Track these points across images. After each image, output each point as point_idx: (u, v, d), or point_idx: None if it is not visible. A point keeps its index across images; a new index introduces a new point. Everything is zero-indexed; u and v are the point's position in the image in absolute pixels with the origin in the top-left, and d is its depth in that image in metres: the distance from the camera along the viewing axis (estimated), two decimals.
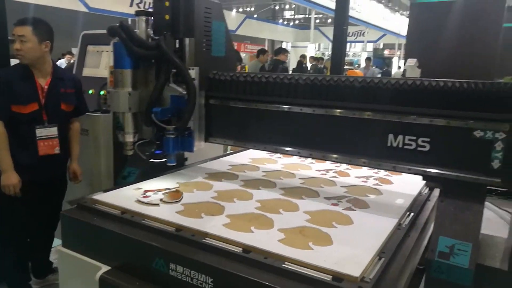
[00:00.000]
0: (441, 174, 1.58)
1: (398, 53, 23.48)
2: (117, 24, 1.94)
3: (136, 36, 1.95)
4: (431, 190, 2.23)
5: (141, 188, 2.06)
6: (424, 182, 2.11)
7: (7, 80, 2.39)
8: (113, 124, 2.05)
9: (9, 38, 2.82)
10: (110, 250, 1.72)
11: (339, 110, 1.78)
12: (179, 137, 2.05)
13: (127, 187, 2.09)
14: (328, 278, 1.30)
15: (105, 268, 1.70)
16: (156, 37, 1.99)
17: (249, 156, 2.84)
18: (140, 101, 2.03)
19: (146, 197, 1.93)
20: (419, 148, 1.62)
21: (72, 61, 10.08)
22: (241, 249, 1.48)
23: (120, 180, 2.32)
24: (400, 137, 1.65)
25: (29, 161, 2.46)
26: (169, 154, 2.08)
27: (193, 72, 2.02)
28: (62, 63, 9.78)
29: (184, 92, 1.98)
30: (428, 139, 1.59)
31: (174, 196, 1.96)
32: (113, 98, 2.02)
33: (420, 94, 1.58)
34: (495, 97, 1.45)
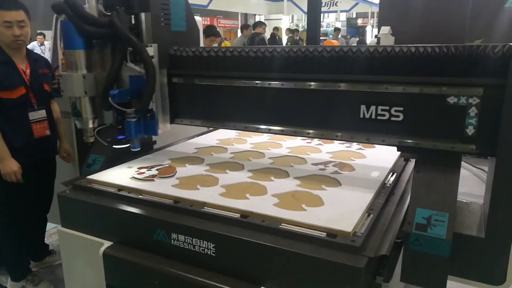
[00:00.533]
0: (416, 144, 1.56)
1: (372, 21, 23.56)
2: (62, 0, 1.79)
3: (85, 13, 1.81)
4: (406, 161, 2.16)
5: (133, 166, 2.11)
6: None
7: None
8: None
9: None
10: (110, 226, 1.78)
11: (308, 83, 1.72)
12: (142, 120, 1.95)
13: (119, 166, 2.13)
14: (322, 235, 1.41)
15: (107, 243, 1.76)
16: (109, 13, 1.85)
17: (235, 131, 2.88)
18: (97, 84, 1.91)
19: (141, 174, 1.98)
20: (392, 118, 1.58)
21: (44, 42, 9.74)
22: (239, 214, 1.56)
23: (85, 169, 2.19)
24: (372, 108, 1.61)
25: (23, 144, 2.46)
26: (132, 139, 1.99)
27: (151, 50, 1.91)
28: (34, 45, 9.44)
29: (143, 72, 1.88)
30: (401, 109, 1.56)
31: (168, 171, 2.02)
32: (66, 82, 1.89)
33: (391, 61, 1.54)
34: (467, 61, 1.42)
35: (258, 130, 1.93)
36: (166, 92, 2.04)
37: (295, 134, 1.84)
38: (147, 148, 2.40)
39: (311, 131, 1.78)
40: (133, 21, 1.95)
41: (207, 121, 2.06)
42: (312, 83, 1.70)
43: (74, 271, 1.94)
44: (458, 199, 3.88)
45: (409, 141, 1.57)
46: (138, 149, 2.04)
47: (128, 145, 2.03)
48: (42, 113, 2.56)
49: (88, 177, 1.97)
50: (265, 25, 9.08)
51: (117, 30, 1.80)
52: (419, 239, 1.42)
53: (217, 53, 1.89)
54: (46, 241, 3.04)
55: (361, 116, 1.63)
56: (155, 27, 1.94)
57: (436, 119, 1.51)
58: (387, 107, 1.57)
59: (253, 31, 8.82)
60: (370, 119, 1.61)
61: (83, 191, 1.90)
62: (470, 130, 1.46)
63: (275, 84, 1.79)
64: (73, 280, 1.97)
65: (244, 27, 8.40)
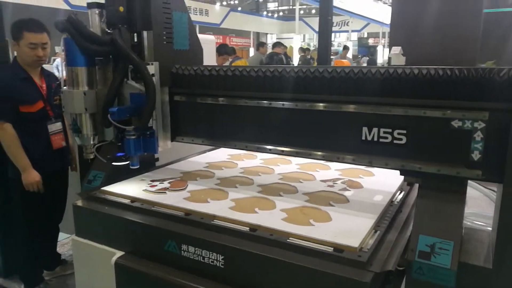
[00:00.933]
0: (419, 168, 1.51)
1: (383, 41, 23.72)
2: (65, 18, 1.81)
3: (86, 31, 1.82)
4: (410, 185, 2.09)
5: (145, 179, 2.16)
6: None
7: (9, 84, 2.46)
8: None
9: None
10: (123, 237, 1.82)
11: (308, 104, 1.69)
12: (141, 138, 1.95)
13: (133, 178, 2.19)
14: (330, 249, 1.43)
15: (119, 253, 1.80)
16: (111, 31, 1.87)
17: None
18: (98, 100, 1.93)
19: (153, 186, 2.03)
20: (395, 141, 1.54)
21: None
22: (247, 228, 1.60)
23: (85, 186, 2.18)
24: (375, 130, 1.57)
25: (41, 155, 2.55)
26: (131, 156, 1.98)
27: (152, 68, 1.91)
28: (58, 62, 9.68)
29: (144, 89, 1.89)
30: (404, 132, 1.52)
31: (180, 184, 2.07)
32: (67, 99, 1.90)
33: (394, 83, 1.51)
34: (472, 84, 1.39)
35: (258, 150, 1.90)
36: (167, 110, 2.04)
37: (296, 155, 1.80)
38: (149, 165, 2.43)
39: (312, 152, 1.75)
40: (135, 39, 1.97)
41: (208, 139, 2.05)
42: (313, 103, 1.69)
43: (86, 279, 1.99)
44: (467, 223, 3.85)
45: (413, 165, 1.53)
46: (137, 166, 2.03)
47: (127, 162, 2.03)
48: (58, 125, 2.66)
49: (102, 188, 2.03)
50: (284, 46, 9.40)
51: (118, 48, 1.83)
52: (422, 268, 1.37)
53: (218, 72, 1.90)
54: (59, 250, 3.09)
55: (363, 138, 1.60)
56: (157, 46, 1.96)
57: (441, 143, 1.47)
58: (390, 130, 1.54)
59: (272, 50, 9.19)
60: (372, 142, 1.58)
61: (97, 201, 1.96)
62: (476, 155, 1.42)
63: (275, 104, 1.78)
64: (84, 287, 2.01)
65: (260, 44, 8.69)
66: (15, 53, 2.59)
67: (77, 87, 1.89)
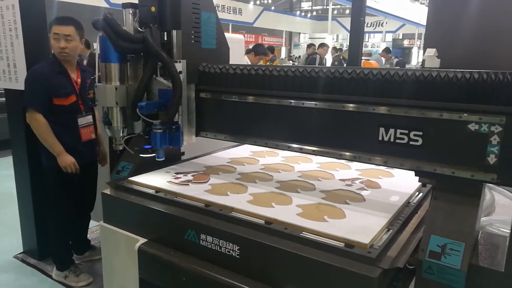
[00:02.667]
0: (434, 170, 1.52)
1: (418, 43, 23.14)
2: (101, 17, 1.92)
3: (120, 30, 1.92)
4: (424, 186, 2.08)
5: (170, 172, 2.27)
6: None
7: (46, 77, 2.62)
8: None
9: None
10: (146, 224, 1.93)
11: (328, 103, 1.72)
12: (167, 132, 2.04)
13: (159, 170, 2.30)
14: (341, 245, 1.48)
15: (142, 240, 1.91)
16: (143, 30, 1.97)
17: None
18: (128, 95, 2.04)
19: (177, 178, 2.14)
20: (411, 142, 1.55)
21: None
22: (263, 221, 1.67)
23: (114, 176, 2.32)
24: (391, 131, 1.59)
25: (72, 147, 2.71)
26: (157, 149, 2.08)
27: (180, 65, 1.99)
28: None
29: (171, 86, 1.97)
30: (420, 133, 1.53)
31: (202, 177, 2.16)
32: (100, 93, 2.03)
33: (411, 85, 1.53)
34: (490, 88, 1.39)
35: (277, 147, 1.94)
36: (193, 106, 2.12)
37: (313, 153, 1.83)
38: (175, 158, 2.54)
39: (329, 150, 1.78)
40: (165, 38, 2.06)
41: (230, 135, 2.09)
42: (331, 103, 1.72)
43: (112, 263, 2.11)
44: (492, 230, 3.74)
45: (427, 166, 1.54)
46: (163, 159, 2.12)
47: (153, 154, 2.13)
48: (89, 119, 2.81)
49: (130, 178, 2.15)
50: (327, 46, 9.57)
51: (149, 46, 1.92)
52: (432, 268, 1.40)
53: (243, 70, 1.95)
54: (89, 237, 3.28)
55: (380, 138, 1.61)
56: (185, 44, 2.03)
57: (456, 145, 1.48)
58: (406, 131, 1.56)
59: (316, 51, 9.54)
60: (388, 142, 1.60)
61: (124, 191, 2.08)
62: (492, 159, 1.41)
63: (295, 102, 1.81)
64: (110, 271, 2.15)
65: (308, 46, 9.02)
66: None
67: (110, 82, 2.01)
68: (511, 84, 1.37)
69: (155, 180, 2.13)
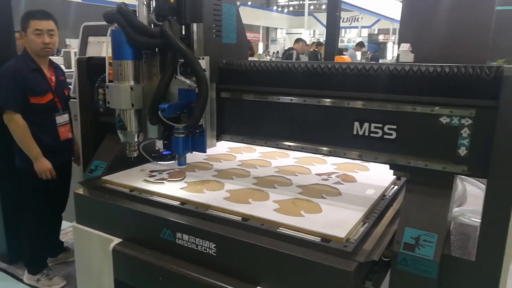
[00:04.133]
0: (407, 163, 1.54)
1: (393, 38, 23.53)
2: (115, 9, 1.75)
3: (137, 22, 1.73)
4: (399, 179, 2.11)
5: (145, 170, 2.23)
6: None
7: (21, 74, 2.51)
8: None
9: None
10: (121, 224, 1.89)
11: (303, 98, 1.70)
12: (190, 136, 1.85)
13: (133, 168, 2.25)
14: (317, 239, 1.48)
15: (117, 240, 1.87)
16: (160, 23, 1.75)
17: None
18: (145, 96, 1.84)
19: (152, 176, 2.10)
20: (385, 136, 1.56)
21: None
22: (240, 218, 1.66)
23: (87, 175, 2.21)
24: (366, 125, 1.59)
25: (50, 146, 2.63)
26: (179, 155, 1.87)
27: (203, 62, 1.78)
28: None
29: (194, 85, 1.76)
30: (394, 127, 1.54)
31: (178, 175, 2.13)
32: (113, 94, 1.83)
33: (384, 79, 1.53)
34: (461, 82, 1.41)
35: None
36: (215, 107, 1.92)
37: (289, 148, 1.81)
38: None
39: (304, 145, 1.76)
40: (183, 32, 1.83)
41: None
42: (307, 98, 1.70)
43: (85, 264, 2.06)
44: (464, 220, 3.85)
45: (401, 159, 1.55)
46: (185, 166, 1.93)
47: (173, 161, 1.92)
48: (66, 117, 2.73)
49: (103, 177, 2.10)
50: (304, 41, 9.60)
51: (170, 40, 1.69)
52: (406, 259, 1.42)
53: (273, 67, 1.76)
54: (62, 239, 3.19)
55: (355, 133, 1.62)
56: (207, 39, 1.81)
57: (429, 138, 1.50)
58: (380, 125, 1.56)
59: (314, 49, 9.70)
60: (363, 136, 1.60)
61: (98, 190, 2.03)
62: (462, 151, 1.45)
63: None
64: (84, 273, 2.09)
65: (296, 41, 9.16)
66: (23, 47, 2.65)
67: (124, 81, 1.80)
68: (480, 77, 1.40)
69: (130, 178, 2.08)
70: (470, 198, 4.67)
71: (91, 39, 3.44)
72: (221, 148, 2.75)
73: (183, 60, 1.76)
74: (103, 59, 2.40)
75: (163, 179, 2.08)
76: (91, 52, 3.37)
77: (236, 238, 1.56)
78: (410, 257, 1.42)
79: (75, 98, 2.57)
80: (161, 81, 1.78)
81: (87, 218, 2.01)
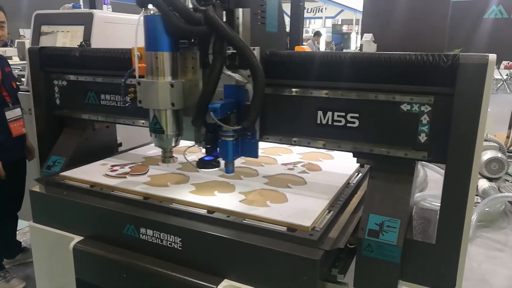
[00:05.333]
0: (370, 150, 1.56)
1: (356, 28, 23.95)
2: None
3: (182, 7, 1.47)
4: (362, 166, 2.10)
5: (107, 164, 2.15)
6: None
7: None
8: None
9: None
10: (81, 222, 1.81)
11: (268, 89, 1.60)
12: (240, 140, 1.63)
13: (94, 163, 2.17)
14: (283, 229, 1.48)
15: (77, 238, 1.80)
16: (201, 7, 1.49)
17: None
18: (185, 94, 1.61)
19: (114, 171, 2.02)
20: (348, 125, 1.57)
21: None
22: (205, 210, 1.63)
23: (44, 171, 2.12)
24: (329, 114, 1.59)
25: (2, 143, 2.48)
26: (228, 161, 1.65)
27: (254, 53, 1.53)
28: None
29: (245, 81, 1.57)
30: (357, 115, 1.56)
31: (140, 169, 2.07)
32: (149, 91, 1.58)
33: (346, 68, 1.53)
34: (420, 70, 1.43)
35: None
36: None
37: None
38: (112, 150, 2.43)
39: (269, 136, 1.73)
40: (224, 19, 1.57)
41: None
42: (272, 88, 1.65)
43: (45, 265, 1.97)
44: (425, 204, 3.99)
45: (364, 147, 1.57)
46: (233, 173, 1.69)
47: (216, 169, 1.72)
48: (17, 112, 2.59)
49: (61, 173, 2.01)
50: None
51: (219, 28, 1.47)
52: (371, 245, 1.46)
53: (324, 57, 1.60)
54: (20, 239, 3.04)
55: (318, 122, 1.62)
56: (253, 27, 1.59)
57: (391, 126, 1.52)
58: (343, 113, 1.57)
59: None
60: (326, 125, 1.60)
61: (56, 187, 1.94)
62: (423, 138, 1.48)
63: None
64: (43, 274, 2.00)
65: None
66: None
67: (161, 77, 1.56)
68: (438, 65, 1.43)
69: (90, 174, 2.00)
70: (431, 183, 4.87)
71: (44, 28, 3.26)
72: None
73: (230, 51, 1.55)
74: (58, 49, 2.30)
75: (125, 173, 2.01)
76: (45, 42, 3.20)
77: (201, 231, 1.53)
78: (375, 243, 1.45)
79: (28, 91, 2.44)
80: (210, 76, 1.52)
81: (44, 217, 1.92)
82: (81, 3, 4.31)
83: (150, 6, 1.51)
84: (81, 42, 2.61)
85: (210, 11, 1.46)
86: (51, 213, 1.91)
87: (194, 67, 1.65)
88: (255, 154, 1.68)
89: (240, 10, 1.56)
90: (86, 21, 2.97)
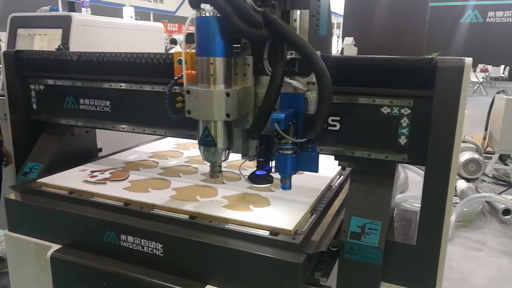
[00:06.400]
0: (352, 153, 1.57)
1: (338, 32, 24.23)
2: None
3: (244, 7, 1.34)
4: (344, 169, 2.12)
5: (86, 170, 2.10)
6: None
7: None
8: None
9: None
10: (59, 229, 1.77)
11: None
12: (298, 153, 1.54)
13: (72, 169, 2.12)
14: (266, 233, 1.47)
15: (55, 246, 1.75)
16: (259, 9, 1.39)
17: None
18: (239, 103, 1.50)
19: (93, 177, 1.98)
20: (330, 128, 1.57)
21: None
22: (187, 216, 1.61)
23: (20, 178, 2.08)
24: None
25: None
26: (285, 177, 1.54)
27: None
28: None
29: (305, 89, 1.49)
30: (338, 118, 1.56)
31: (121, 174, 2.03)
32: (201, 101, 1.45)
33: (328, 71, 1.45)
34: (399, 73, 1.46)
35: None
36: None
37: None
38: (92, 155, 2.39)
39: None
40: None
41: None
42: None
43: (21, 275, 1.91)
44: (406, 205, 4.06)
45: (346, 150, 1.59)
46: (290, 189, 1.58)
47: (269, 184, 1.67)
48: None
49: (38, 180, 1.95)
50: None
51: (283, 31, 1.38)
52: (353, 248, 1.46)
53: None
54: None
55: None
56: (311, 30, 1.50)
57: (371, 129, 1.54)
58: None
59: None
60: None
61: (32, 194, 1.88)
62: (403, 140, 1.50)
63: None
64: (19, 284, 1.94)
65: None
66: None
67: (215, 85, 1.45)
68: (417, 68, 1.45)
69: (68, 180, 1.95)
70: (412, 184, 4.95)
71: (20, 31, 3.18)
72: (167, 144, 2.67)
73: (291, 56, 1.47)
74: (35, 52, 2.25)
75: (105, 179, 1.97)
76: (22, 45, 3.12)
77: (183, 237, 1.51)
78: (357, 245, 1.46)
79: (3, 96, 2.37)
80: (272, 83, 1.43)
81: (20, 225, 1.86)
82: (60, 5, 4.24)
83: (204, 6, 1.40)
84: (59, 46, 2.56)
85: (270, 13, 1.38)
86: (27, 221, 1.85)
87: (246, 74, 1.53)
88: (315, 168, 1.58)
89: (298, 12, 1.46)
90: (64, 24, 2.91)
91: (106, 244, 1.65)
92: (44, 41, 3.01)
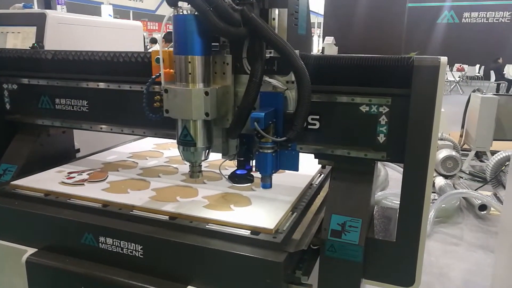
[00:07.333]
0: (332, 152, 1.58)
1: (318, 31, 24.42)
2: None
3: (221, 4, 1.34)
4: (324, 167, 2.14)
5: (63, 171, 2.06)
6: None
7: None
8: None
9: None
10: (35, 233, 1.72)
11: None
12: (279, 152, 1.55)
13: (49, 170, 2.07)
14: (247, 232, 1.47)
15: (31, 250, 1.70)
16: (237, 7, 1.38)
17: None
18: (219, 102, 1.50)
19: (71, 178, 1.94)
20: (309, 126, 1.58)
21: None
22: (167, 217, 1.59)
23: None
24: None
25: None
26: (265, 176, 1.55)
27: None
28: None
29: (285, 88, 1.50)
30: (317, 117, 1.57)
31: (99, 175, 1.99)
32: (180, 100, 1.44)
33: (308, 71, 1.45)
34: (377, 72, 1.48)
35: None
36: None
37: None
38: (69, 156, 2.34)
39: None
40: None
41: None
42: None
43: None
44: (387, 203, 4.12)
45: (325, 148, 1.60)
46: (270, 187, 1.59)
47: (249, 184, 1.69)
48: None
49: (12, 182, 1.90)
50: None
51: (262, 30, 1.38)
52: (334, 246, 1.47)
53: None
54: None
55: None
56: (289, 29, 1.50)
57: (351, 127, 1.56)
58: None
59: None
60: None
61: (6, 197, 1.82)
62: (381, 138, 1.52)
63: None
64: None
65: None
66: None
67: (193, 83, 1.43)
68: (394, 67, 1.47)
69: (44, 182, 1.90)
70: (392, 182, 5.03)
71: None
72: (147, 144, 2.64)
73: (267, 55, 1.47)
74: (8, 51, 2.18)
75: (83, 180, 1.93)
76: None
77: (163, 238, 1.49)
78: (337, 243, 1.47)
79: None
80: (251, 82, 1.43)
81: None
82: (35, 3, 4.13)
83: (181, 4, 1.39)
84: (33, 44, 2.48)
85: (248, 11, 1.38)
86: (1, 224, 1.79)
87: (225, 72, 1.53)
88: (296, 167, 1.59)
89: (276, 10, 1.46)
90: (39, 22, 2.83)
91: (84, 246, 1.61)
92: (17, 39, 2.93)
